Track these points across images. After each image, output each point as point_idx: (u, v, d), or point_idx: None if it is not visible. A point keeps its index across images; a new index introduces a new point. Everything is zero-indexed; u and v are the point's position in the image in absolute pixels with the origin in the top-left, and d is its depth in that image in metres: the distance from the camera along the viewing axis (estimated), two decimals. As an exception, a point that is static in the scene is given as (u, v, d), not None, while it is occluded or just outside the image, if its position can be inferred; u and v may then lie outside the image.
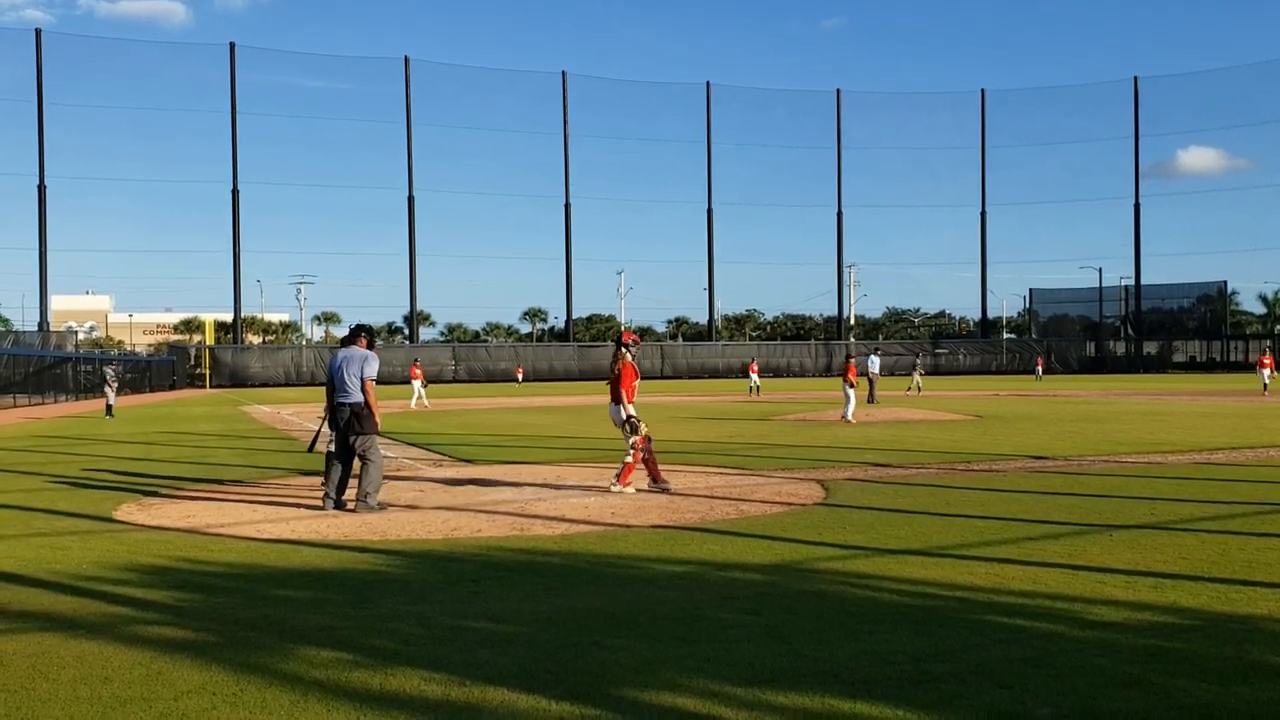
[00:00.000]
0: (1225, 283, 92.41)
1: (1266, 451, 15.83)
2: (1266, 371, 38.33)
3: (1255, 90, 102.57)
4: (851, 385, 25.22)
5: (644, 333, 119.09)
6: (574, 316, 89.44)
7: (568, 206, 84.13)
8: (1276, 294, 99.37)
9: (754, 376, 44.77)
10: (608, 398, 12.47)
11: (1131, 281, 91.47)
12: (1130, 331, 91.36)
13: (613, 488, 11.71)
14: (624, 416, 11.86)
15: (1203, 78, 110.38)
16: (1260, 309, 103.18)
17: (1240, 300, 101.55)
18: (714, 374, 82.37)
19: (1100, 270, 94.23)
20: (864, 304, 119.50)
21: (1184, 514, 9.72)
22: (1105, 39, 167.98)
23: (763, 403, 36.54)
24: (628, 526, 9.40)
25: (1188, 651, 5.19)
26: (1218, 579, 6.83)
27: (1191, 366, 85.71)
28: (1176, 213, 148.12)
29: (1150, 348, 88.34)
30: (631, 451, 11.78)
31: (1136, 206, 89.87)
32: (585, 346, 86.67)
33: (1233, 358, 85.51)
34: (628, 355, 12.19)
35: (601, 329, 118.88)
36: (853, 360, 26.33)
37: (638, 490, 11.68)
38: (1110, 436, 19.06)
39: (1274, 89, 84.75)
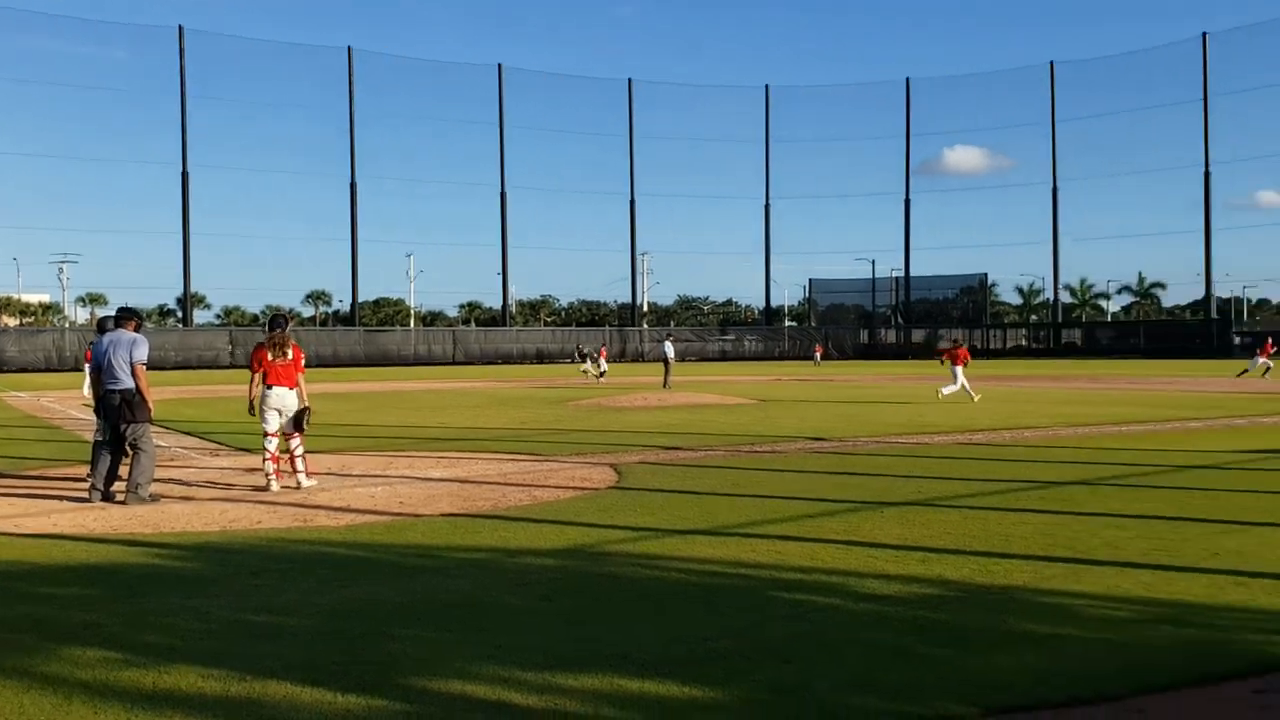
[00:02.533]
0: (986, 275, 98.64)
1: (1022, 433, 17.05)
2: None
3: (1015, 92, 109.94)
4: (958, 365, 26.04)
5: (435, 317, 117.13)
6: (360, 300, 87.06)
7: (353, 186, 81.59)
8: (1031, 286, 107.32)
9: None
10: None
11: (902, 273, 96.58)
12: (900, 320, 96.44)
13: (303, 483, 10.95)
14: (302, 405, 11.15)
15: (968, 80, 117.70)
16: (1017, 299, 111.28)
17: (999, 291, 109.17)
18: (508, 360, 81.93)
19: (873, 262, 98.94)
20: (657, 291, 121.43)
21: (948, 491, 10.35)
22: (881, 39, 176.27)
23: (558, 388, 36.62)
24: (417, 515, 9.26)
25: (952, 622, 5.54)
26: (979, 552, 7.32)
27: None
28: (943, 208, 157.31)
29: (918, 335, 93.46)
30: (300, 439, 11.09)
31: (907, 202, 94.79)
32: (372, 331, 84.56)
33: (992, 345, 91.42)
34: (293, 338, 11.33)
35: (390, 313, 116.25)
36: (964, 346, 27.60)
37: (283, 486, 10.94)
38: (882, 419, 20.09)
39: (1033, 91, 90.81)
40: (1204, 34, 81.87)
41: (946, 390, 25.62)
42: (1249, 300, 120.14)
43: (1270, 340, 39.88)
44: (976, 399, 25.11)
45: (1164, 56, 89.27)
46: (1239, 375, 38.42)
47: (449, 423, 20.39)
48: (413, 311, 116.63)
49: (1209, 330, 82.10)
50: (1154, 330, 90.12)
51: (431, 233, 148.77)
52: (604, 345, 49.78)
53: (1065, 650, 5.02)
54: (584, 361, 43.92)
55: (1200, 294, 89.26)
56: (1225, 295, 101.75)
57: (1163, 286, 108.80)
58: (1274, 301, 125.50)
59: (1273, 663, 4.81)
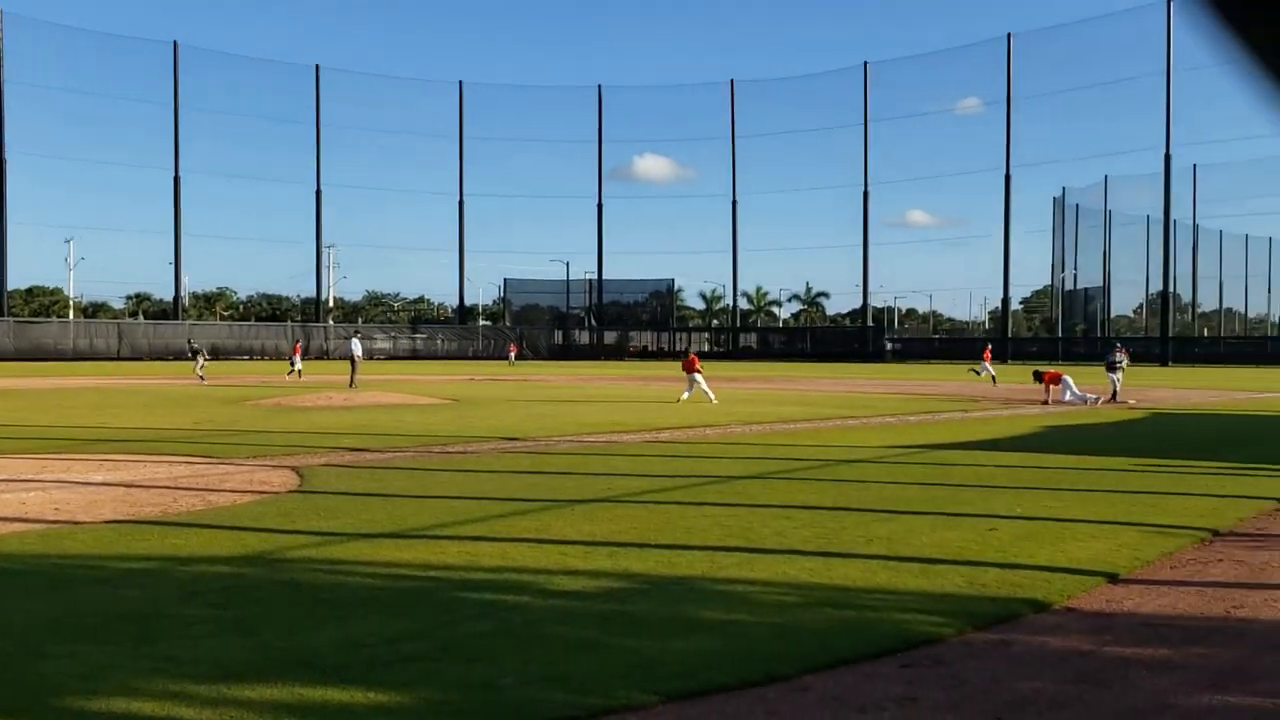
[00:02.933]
0: (673, 280, 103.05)
1: (703, 431, 17.90)
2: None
3: (699, 106, 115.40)
4: (697, 372, 26.08)
5: (98, 309, 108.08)
6: (10, 288, 78.80)
7: (1, 162, 73.87)
8: (714, 291, 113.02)
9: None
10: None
11: (595, 275, 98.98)
12: (593, 322, 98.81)
13: None
14: None
15: (657, 91, 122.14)
16: (700, 305, 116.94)
17: (685, 296, 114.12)
18: (180, 356, 76.80)
19: (567, 264, 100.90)
20: (344, 286, 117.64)
21: (636, 488, 10.70)
22: (572, 43, 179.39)
23: (234, 386, 34.74)
24: (76, 523, 8.51)
25: (636, 613, 5.74)
26: (662, 545, 7.62)
27: (645, 355, 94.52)
28: (634, 214, 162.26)
29: (611, 337, 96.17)
30: None
31: (599, 206, 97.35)
32: (24, 323, 76.81)
33: (678, 347, 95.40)
34: None
35: (46, 303, 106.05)
36: (695, 352, 27.44)
37: None
38: (575, 418, 20.48)
39: (714, 106, 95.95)
40: (865, 63, 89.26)
41: (706, 390, 26.11)
42: (900, 309, 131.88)
43: (989, 348, 43.54)
44: (681, 400, 25.77)
45: (832, 82, 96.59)
46: (970, 370, 41.23)
47: (113, 423, 18.88)
48: (72, 302, 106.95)
49: (865, 336, 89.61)
50: (819, 335, 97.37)
51: (95, 218, 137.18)
52: (299, 343, 47.22)
53: (739, 634, 5.33)
54: (196, 359, 40.30)
55: (859, 303, 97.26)
56: (880, 305, 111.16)
57: (827, 295, 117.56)
58: (920, 311, 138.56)
59: (917, 639, 5.31)
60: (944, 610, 5.83)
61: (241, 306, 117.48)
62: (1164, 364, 68.12)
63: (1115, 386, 27.48)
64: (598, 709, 4.25)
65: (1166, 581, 6.75)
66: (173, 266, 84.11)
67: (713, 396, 26.06)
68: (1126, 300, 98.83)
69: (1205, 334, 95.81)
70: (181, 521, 8.60)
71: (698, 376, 26.47)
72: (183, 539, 7.82)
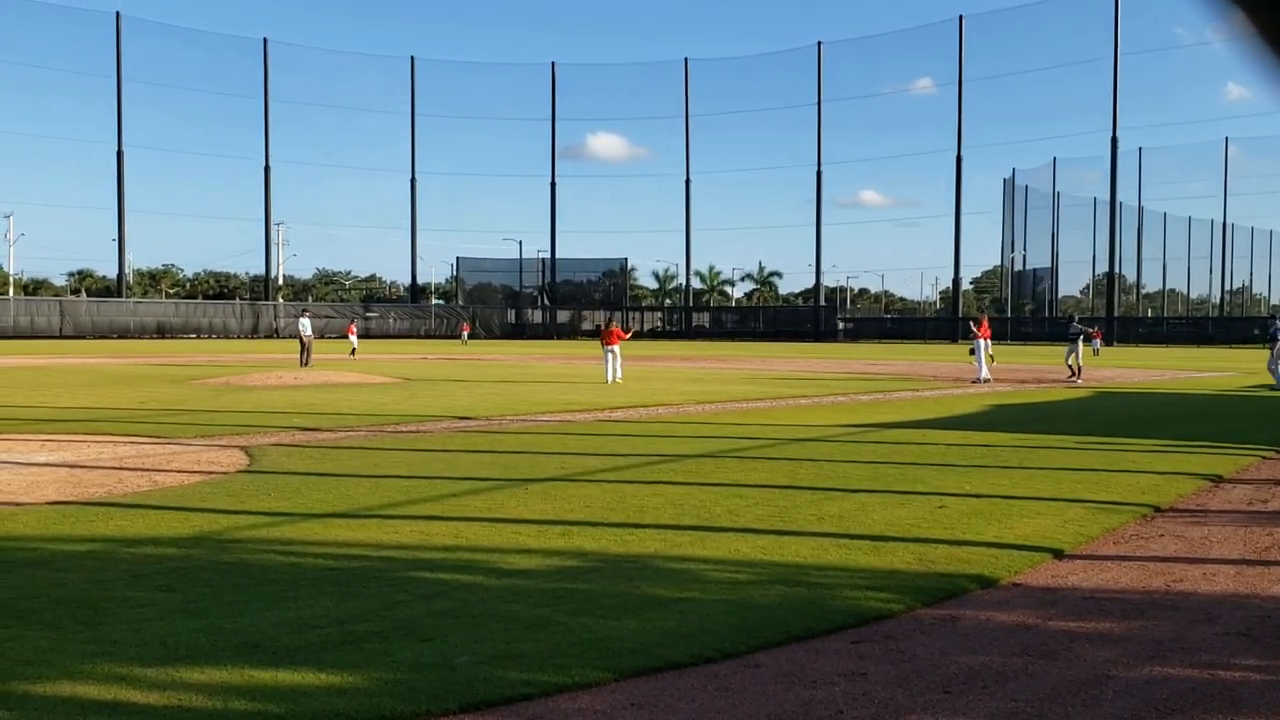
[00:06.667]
0: (626, 259, 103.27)
1: (656, 410, 17.92)
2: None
3: (652, 85, 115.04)
4: (614, 345, 25.40)
5: (39, 286, 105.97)
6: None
7: (-60, 136, 71.98)
8: (667, 271, 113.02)
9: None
10: None
11: (548, 254, 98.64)
12: (546, 301, 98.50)
13: None
14: None
15: (611, 69, 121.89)
16: (654, 284, 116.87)
17: (638, 276, 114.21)
18: (125, 334, 75.51)
19: (520, 243, 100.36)
20: (293, 264, 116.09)
21: (589, 466, 10.70)
22: (525, 20, 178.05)
23: (181, 365, 34.23)
24: (17, 504, 8.36)
25: (589, 591, 5.75)
26: (615, 524, 7.63)
27: (596, 334, 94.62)
28: (587, 192, 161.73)
29: (564, 316, 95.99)
30: None
31: (553, 185, 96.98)
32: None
33: (631, 327, 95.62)
34: None
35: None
36: (615, 323, 26.79)
37: None
38: (528, 398, 20.42)
39: (667, 85, 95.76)
40: (819, 43, 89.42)
41: (610, 367, 25.50)
42: (852, 289, 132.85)
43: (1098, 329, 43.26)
44: (618, 381, 25.33)
45: (786, 61, 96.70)
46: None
47: (55, 402, 18.54)
48: (12, 279, 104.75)
49: (818, 315, 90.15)
50: (772, 315, 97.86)
51: (36, 193, 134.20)
52: (353, 321, 43.54)
53: (692, 611, 5.35)
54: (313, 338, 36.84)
55: (812, 282, 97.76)
56: (832, 284, 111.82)
57: (780, 275, 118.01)
58: (872, 291, 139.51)
59: (868, 615, 5.37)
60: (894, 587, 5.90)
61: (188, 284, 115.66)
62: (1109, 344, 69.24)
63: (1078, 361, 27.34)
64: (551, 687, 4.25)
65: (1110, 557, 6.88)
66: (116, 243, 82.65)
67: (610, 377, 24.93)
68: (1074, 281, 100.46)
69: (1149, 314, 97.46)
70: (127, 502, 8.47)
71: (616, 349, 25.40)
72: (128, 520, 7.71)
